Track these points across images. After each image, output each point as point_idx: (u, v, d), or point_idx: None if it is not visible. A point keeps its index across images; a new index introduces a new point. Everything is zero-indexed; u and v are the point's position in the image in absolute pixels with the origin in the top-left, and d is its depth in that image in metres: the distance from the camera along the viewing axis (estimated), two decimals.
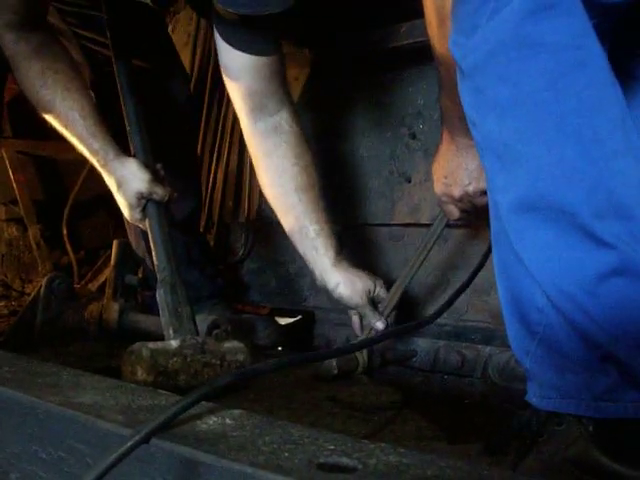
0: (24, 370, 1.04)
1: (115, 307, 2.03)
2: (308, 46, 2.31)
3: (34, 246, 3.05)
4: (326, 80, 2.27)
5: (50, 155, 3.14)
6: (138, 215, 1.78)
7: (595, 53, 0.90)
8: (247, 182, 2.38)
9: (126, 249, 2.16)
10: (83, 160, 1.83)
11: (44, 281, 1.90)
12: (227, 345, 1.60)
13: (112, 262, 2.16)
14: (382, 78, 2.14)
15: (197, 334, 1.62)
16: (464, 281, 1.72)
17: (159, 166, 1.84)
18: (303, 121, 2.26)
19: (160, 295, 1.66)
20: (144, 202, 1.76)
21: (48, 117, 1.75)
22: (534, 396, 1.09)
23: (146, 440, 0.75)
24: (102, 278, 2.75)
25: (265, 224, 2.38)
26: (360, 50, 2.04)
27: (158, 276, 1.71)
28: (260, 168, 1.80)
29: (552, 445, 1.10)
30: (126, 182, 1.74)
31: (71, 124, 1.73)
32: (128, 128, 1.85)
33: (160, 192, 1.77)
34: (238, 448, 0.72)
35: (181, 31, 2.63)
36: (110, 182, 1.77)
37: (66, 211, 3.04)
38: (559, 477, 1.05)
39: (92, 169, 1.84)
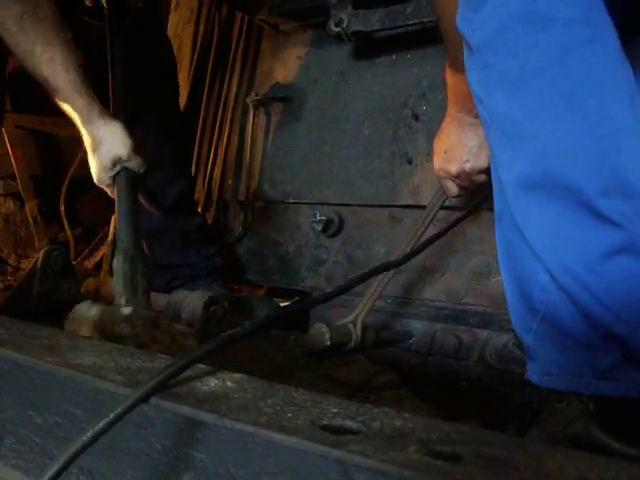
0: (21, 333, 1.03)
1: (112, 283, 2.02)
2: (311, 25, 2.30)
3: (31, 221, 3.04)
4: (329, 60, 2.26)
5: (49, 131, 3.12)
6: (107, 180, 1.73)
7: (605, 28, 0.89)
8: (247, 160, 2.36)
9: None
10: (82, 136, 1.76)
11: (42, 253, 1.89)
12: (179, 327, 1.57)
13: (110, 238, 2.15)
14: (386, 58, 2.12)
15: (150, 309, 1.57)
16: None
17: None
18: (306, 100, 2.28)
19: (117, 263, 1.61)
20: (118, 168, 1.71)
21: (27, 67, 1.65)
22: (534, 374, 1.08)
23: (145, 399, 0.74)
24: (99, 256, 2.74)
25: (264, 203, 2.37)
26: (364, 30, 2.02)
27: (117, 244, 1.67)
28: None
29: (552, 422, 1.10)
30: (107, 143, 1.68)
31: (52, 77, 1.63)
32: (113, 94, 1.81)
33: (139, 161, 1.72)
34: (240, 409, 0.71)
35: (184, 7, 2.61)
36: (88, 141, 1.70)
37: (64, 187, 3.02)
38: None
39: None
